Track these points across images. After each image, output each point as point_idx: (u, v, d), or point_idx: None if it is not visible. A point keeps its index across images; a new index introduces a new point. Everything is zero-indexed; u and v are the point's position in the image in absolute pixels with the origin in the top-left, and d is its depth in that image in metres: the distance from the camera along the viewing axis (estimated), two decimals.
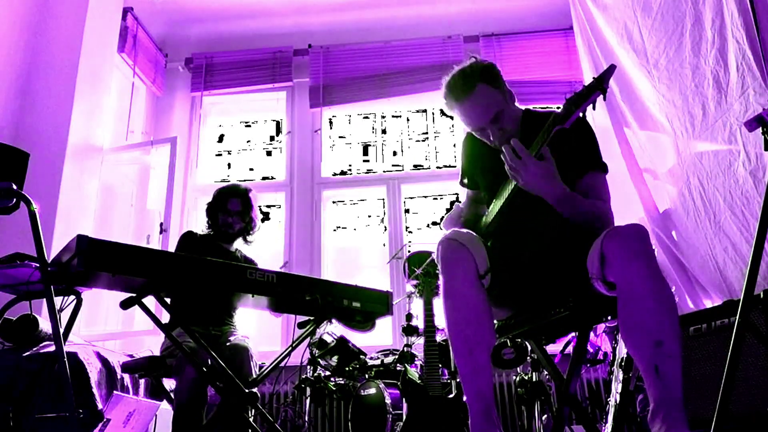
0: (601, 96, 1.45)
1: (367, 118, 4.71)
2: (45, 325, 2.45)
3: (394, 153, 4.58)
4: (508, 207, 1.71)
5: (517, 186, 1.63)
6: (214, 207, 2.86)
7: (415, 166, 4.50)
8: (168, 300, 2.61)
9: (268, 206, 4.50)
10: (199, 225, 3.50)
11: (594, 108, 1.49)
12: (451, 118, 4.55)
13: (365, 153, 4.61)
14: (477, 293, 1.56)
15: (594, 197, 1.69)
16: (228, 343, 2.55)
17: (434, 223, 4.36)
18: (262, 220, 3.01)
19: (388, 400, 2.60)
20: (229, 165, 4.69)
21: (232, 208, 2.81)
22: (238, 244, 2.92)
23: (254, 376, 2.38)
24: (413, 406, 2.51)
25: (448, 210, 2.10)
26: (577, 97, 1.49)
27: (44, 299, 2.00)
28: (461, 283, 1.56)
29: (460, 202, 2.07)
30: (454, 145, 4.51)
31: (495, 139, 1.73)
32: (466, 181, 2.00)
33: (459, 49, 4.44)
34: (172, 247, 3.66)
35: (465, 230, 1.69)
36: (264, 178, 4.55)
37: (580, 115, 1.51)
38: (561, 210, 1.62)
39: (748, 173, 2.38)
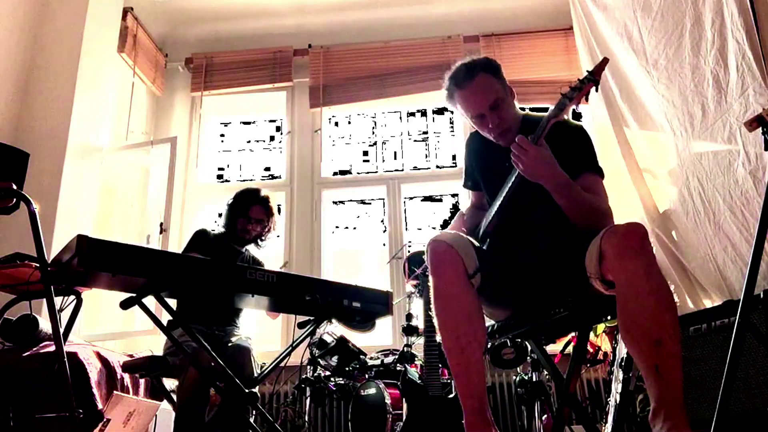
0: (594, 89, 1.50)
1: (366, 117, 4.71)
2: (45, 325, 2.45)
3: (394, 153, 4.58)
4: (507, 207, 1.71)
5: (515, 185, 1.64)
6: (235, 210, 2.82)
7: (415, 166, 4.50)
8: (171, 299, 2.63)
9: None
10: (199, 225, 3.50)
11: (587, 101, 1.54)
12: (452, 113, 4.55)
13: (365, 153, 4.62)
14: (466, 293, 1.57)
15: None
16: (230, 344, 2.54)
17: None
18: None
19: (388, 400, 2.60)
20: (229, 165, 4.69)
21: (254, 216, 2.79)
22: (249, 246, 2.92)
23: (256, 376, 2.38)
24: (413, 406, 2.51)
25: (451, 211, 2.12)
26: (571, 90, 1.53)
27: (44, 299, 2.00)
28: (450, 283, 1.57)
29: (458, 203, 2.09)
30: (454, 150, 4.51)
31: (494, 127, 1.75)
32: (470, 183, 2.02)
33: (459, 49, 4.44)
34: (172, 247, 3.67)
35: (453, 231, 1.71)
36: (264, 178, 4.55)
37: (575, 107, 1.55)
38: (559, 198, 1.61)
39: (748, 173, 2.38)
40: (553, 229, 1.71)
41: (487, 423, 1.52)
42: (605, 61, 1.50)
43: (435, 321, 1.62)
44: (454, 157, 4.47)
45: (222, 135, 4.80)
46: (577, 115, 4.10)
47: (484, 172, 1.91)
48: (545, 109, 1.68)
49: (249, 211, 2.79)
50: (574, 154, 1.72)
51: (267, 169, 4.60)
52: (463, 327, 1.56)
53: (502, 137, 1.78)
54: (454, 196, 4.42)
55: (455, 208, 4.37)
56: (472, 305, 1.58)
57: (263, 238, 2.88)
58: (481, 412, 1.52)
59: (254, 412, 2.38)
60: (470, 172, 2.00)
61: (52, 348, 2.33)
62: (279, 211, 2.93)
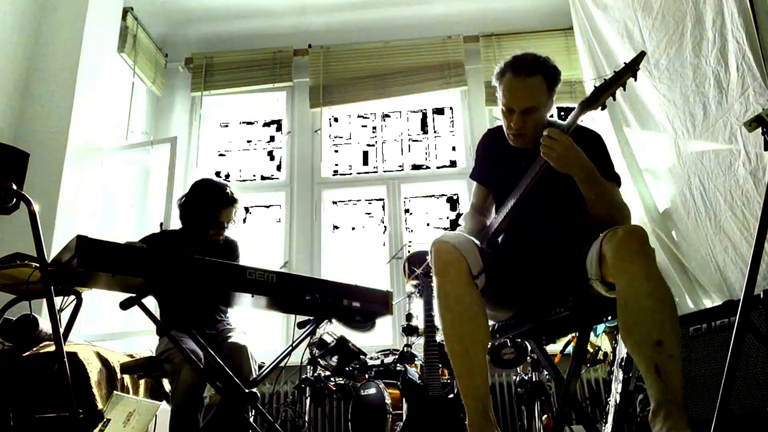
0: (633, 78, 1.57)
1: (367, 118, 4.71)
2: (45, 325, 2.45)
3: (394, 153, 4.58)
4: (516, 210, 1.72)
5: (527, 189, 1.67)
6: (202, 215, 2.61)
7: (414, 166, 4.50)
8: (159, 303, 2.60)
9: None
10: None
11: (624, 89, 1.58)
12: (451, 109, 4.54)
13: (365, 153, 4.62)
14: (471, 293, 1.57)
15: None
16: (228, 341, 2.53)
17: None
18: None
19: (388, 400, 2.60)
20: (229, 165, 4.69)
21: (225, 219, 2.62)
22: None
23: (254, 374, 2.37)
24: (413, 406, 2.51)
25: (457, 216, 2.12)
26: (607, 84, 1.56)
27: (44, 299, 2.00)
28: (454, 283, 1.57)
29: (458, 201, 2.09)
30: (454, 148, 4.51)
31: (514, 126, 1.76)
32: (478, 177, 2.02)
33: (459, 49, 4.44)
34: None
35: (457, 232, 1.71)
36: (264, 178, 4.55)
37: (611, 97, 1.59)
38: (588, 189, 1.63)
39: (749, 173, 2.38)
40: (561, 231, 1.72)
41: (490, 424, 1.52)
42: (642, 54, 1.56)
43: (438, 322, 1.63)
44: (453, 161, 4.47)
45: (222, 135, 4.80)
46: None
47: (496, 175, 1.92)
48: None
49: (219, 215, 2.60)
50: (593, 161, 1.71)
51: (267, 168, 4.61)
52: (468, 328, 1.56)
53: (515, 138, 1.80)
54: (453, 201, 4.42)
55: (454, 205, 4.37)
56: (476, 306, 1.58)
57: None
58: (485, 413, 1.52)
59: (254, 412, 2.37)
60: (481, 167, 2.00)
61: (52, 348, 2.33)
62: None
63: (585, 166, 1.61)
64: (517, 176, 1.74)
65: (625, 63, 1.54)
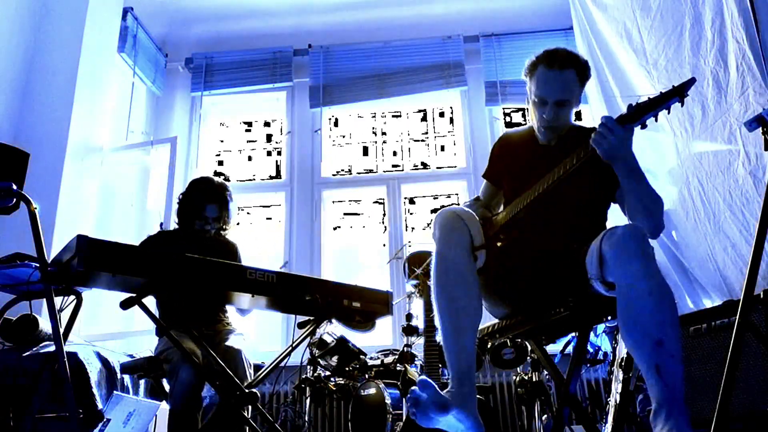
0: (680, 104, 1.49)
1: (366, 117, 4.71)
2: (45, 325, 2.45)
3: (394, 153, 4.58)
4: (534, 206, 1.72)
5: (545, 191, 1.66)
6: (189, 211, 2.65)
7: (415, 166, 4.50)
8: (157, 302, 2.60)
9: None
10: None
11: (669, 113, 1.53)
12: (452, 112, 4.53)
13: (365, 153, 4.62)
14: (469, 263, 1.58)
15: None
16: (223, 343, 2.52)
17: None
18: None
19: (388, 400, 2.60)
20: (229, 165, 4.69)
21: (210, 215, 2.62)
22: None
23: (248, 378, 2.33)
24: None
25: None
26: (651, 102, 1.51)
27: (44, 299, 2.00)
28: (454, 249, 1.58)
29: (458, 204, 2.09)
30: (454, 142, 4.51)
31: (547, 119, 1.76)
32: (493, 175, 2.01)
33: (459, 49, 4.44)
34: None
35: (465, 208, 1.71)
36: (264, 179, 4.56)
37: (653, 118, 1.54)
38: (629, 183, 1.62)
39: (748, 173, 2.38)
40: (557, 231, 1.72)
41: (473, 391, 1.49)
42: (693, 80, 1.49)
43: (432, 284, 1.60)
44: (453, 161, 4.47)
45: (222, 135, 4.80)
46: (577, 115, 4.10)
47: (510, 173, 1.92)
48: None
49: (204, 210, 2.61)
50: None
51: (267, 169, 4.61)
52: (461, 290, 1.56)
53: (545, 131, 1.81)
54: (452, 195, 4.42)
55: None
56: (471, 274, 1.58)
57: (225, 229, 2.73)
58: (469, 377, 1.50)
59: (254, 412, 2.37)
60: (494, 166, 2.00)
61: (52, 348, 2.33)
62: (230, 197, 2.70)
63: (630, 159, 1.60)
64: (533, 174, 1.73)
65: (674, 86, 1.48)
